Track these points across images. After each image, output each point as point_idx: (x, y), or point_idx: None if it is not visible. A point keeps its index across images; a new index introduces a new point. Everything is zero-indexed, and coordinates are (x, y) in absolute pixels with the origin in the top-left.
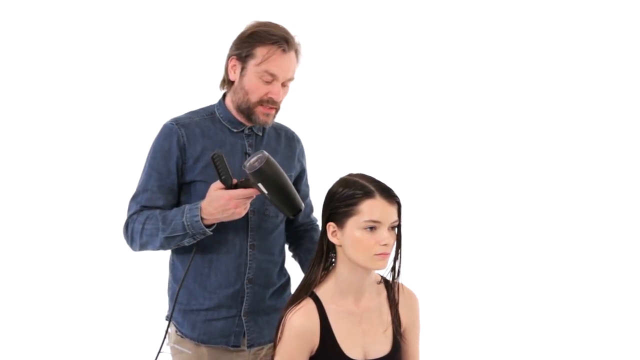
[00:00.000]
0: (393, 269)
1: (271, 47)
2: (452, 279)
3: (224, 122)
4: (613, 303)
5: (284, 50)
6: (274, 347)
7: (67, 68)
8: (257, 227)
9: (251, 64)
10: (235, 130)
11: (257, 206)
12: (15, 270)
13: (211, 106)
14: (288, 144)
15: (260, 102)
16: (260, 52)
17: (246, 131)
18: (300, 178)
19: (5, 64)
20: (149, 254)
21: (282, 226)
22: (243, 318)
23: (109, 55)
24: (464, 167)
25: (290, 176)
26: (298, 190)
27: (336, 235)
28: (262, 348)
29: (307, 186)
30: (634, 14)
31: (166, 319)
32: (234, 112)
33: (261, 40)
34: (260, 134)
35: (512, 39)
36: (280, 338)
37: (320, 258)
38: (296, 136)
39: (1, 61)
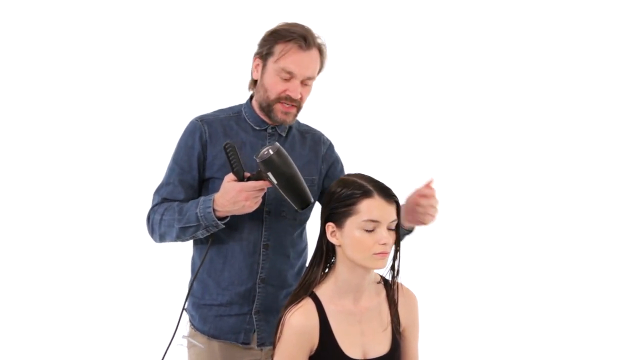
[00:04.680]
0: (392, 268)
1: (288, 43)
2: (451, 278)
3: (248, 121)
4: (613, 303)
5: (300, 47)
6: (274, 346)
7: (97, 69)
8: (272, 227)
9: (270, 61)
10: (258, 129)
11: (274, 206)
12: (34, 266)
13: (239, 105)
14: (313, 147)
15: (279, 100)
16: (278, 49)
17: (269, 130)
18: (332, 172)
19: (31, 65)
20: (170, 247)
21: (303, 229)
22: (254, 316)
23: (141, 55)
24: (463, 166)
25: (312, 179)
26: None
27: (335, 235)
28: (273, 349)
29: None
30: (634, 14)
31: (186, 311)
32: (257, 111)
33: (280, 37)
34: (284, 134)
35: (513, 41)
36: (279, 337)
37: (320, 258)
38: (323, 138)
39: (27, 63)
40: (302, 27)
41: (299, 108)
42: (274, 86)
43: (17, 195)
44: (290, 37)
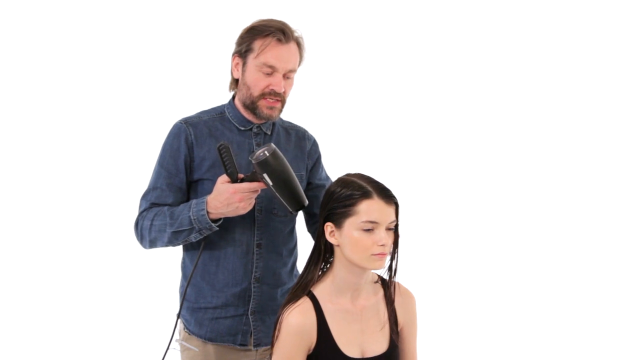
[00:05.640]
0: (390, 268)
1: (266, 38)
2: (449, 277)
3: (233, 121)
4: (613, 303)
5: (279, 40)
6: (272, 346)
7: (80, 70)
8: (264, 225)
9: (250, 58)
10: (243, 129)
11: (265, 205)
12: (27, 274)
13: (221, 106)
14: (298, 143)
15: (263, 95)
16: (257, 44)
17: (255, 129)
18: (315, 169)
19: (26, 67)
20: (161, 252)
21: (293, 226)
22: (250, 317)
23: (122, 57)
24: (463, 167)
25: (300, 175)
26: (318, 180)
27: (334, 235)
28: (270, 348)
29: (328, 177)
30: (634, 14)
31: (181, 316)
32: (241, 110)
33: (258, 33)
34: (269, 132)
35: (512, 39)
36: (277, 337)
37: (318, 257)
38: (307, 134)
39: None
40: (279, 21)
41: (283, 102)
42: (257, 82)
43: (7, 201)
44: (268, 31)
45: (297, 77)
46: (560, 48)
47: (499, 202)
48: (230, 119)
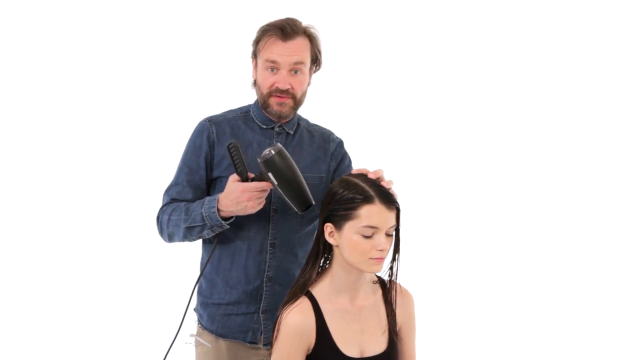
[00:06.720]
0: (390, 270)
1: (268, 36)
2: (447, 278)
3: (256, 120)
4: (613, 303)
5: (278, 37)
6: (271, 346)
7: (105, 72)
8: (278, 225)
9: (258, 57)
10: (265, 127)
11: (280, 204)
12: (45, 266)
13: (248, 105)
14: (322, 145)
15: (271, 94)
16: (262, 43)
17: (277, 129)
18: (340, 168)
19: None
20: (178, 247)
21: (310, 229)
22: (261, 315)
23: (153, 57)
24: (462, 167)
25: (320, 177)
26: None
27: (333, 235)
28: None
29: None
30: (634, 14)
31: (195, 310)
32: (264, 110)
33: (262, 32)
34: (292, 132)
35: (513, 39)
36: (276, 337)
37: (316, 257)
38: (333, 136)
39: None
40: (285, 19)
41: (295, 99)
42: (264, 81)
43: (29, 197)
44: (269, 29)
45: (315, 78)
46: (561, 48)
47: (498, 203)
48: (254, 117)
